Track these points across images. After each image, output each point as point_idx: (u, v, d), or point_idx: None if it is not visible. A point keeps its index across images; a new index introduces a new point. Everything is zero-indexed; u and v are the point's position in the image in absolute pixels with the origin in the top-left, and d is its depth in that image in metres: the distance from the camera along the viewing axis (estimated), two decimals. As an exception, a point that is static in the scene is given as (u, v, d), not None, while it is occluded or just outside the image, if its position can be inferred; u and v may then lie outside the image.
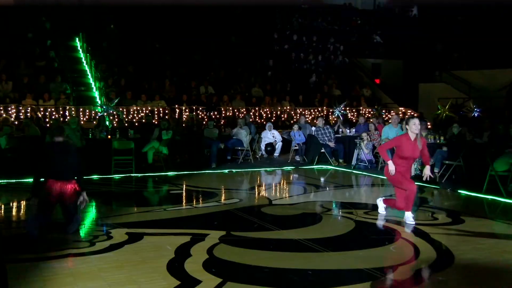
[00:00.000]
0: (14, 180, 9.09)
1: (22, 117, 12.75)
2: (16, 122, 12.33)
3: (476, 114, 15.03)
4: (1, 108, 12.83)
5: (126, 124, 13.16)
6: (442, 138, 11.01)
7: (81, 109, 13.75)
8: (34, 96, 13.76)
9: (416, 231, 5.69)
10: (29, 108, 13.07)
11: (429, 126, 13.79)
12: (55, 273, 4.16)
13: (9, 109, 12.90)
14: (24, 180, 9.09)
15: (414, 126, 5.81)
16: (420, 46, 21.12)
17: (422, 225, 5.94)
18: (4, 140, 10.31)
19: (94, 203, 7.35)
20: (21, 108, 13.03)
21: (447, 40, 20.92)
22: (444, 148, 9.79)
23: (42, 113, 13.20)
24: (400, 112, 16.76)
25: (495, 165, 8.10)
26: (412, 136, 5.88)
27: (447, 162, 9.54)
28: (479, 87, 17.87)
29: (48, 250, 4.82)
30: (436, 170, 9.61)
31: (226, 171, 11.02)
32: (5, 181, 9.06)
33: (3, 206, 7.25)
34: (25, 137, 10.91)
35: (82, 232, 5.62)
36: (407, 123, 5.94)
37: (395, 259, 4.74)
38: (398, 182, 6.00)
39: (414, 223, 5.96)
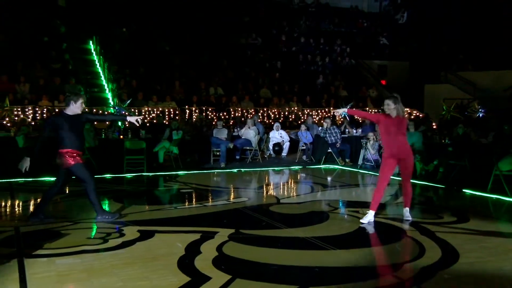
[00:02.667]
0: (31, 179, 9.27)
1: (38, 117, 13.09)
2: (33, 123, 12.64)
3: (481, 115, 15.14)
4: (19, 109, 13.21)
5: (137, 125, 13.38)
6: (447, 138, 11.18)
7: (94, 110, 14.00)
8: (49, 97, 14.12)
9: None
10: (45, 109, 13.41)
11: (434, 127, 13.96)
12: (70, 269, 4.25)
13: (26, 110, 13.25)
14: (40, 178, 9.32)
15: (387, 107, 6.02)
16: (425, 48, 21.23)
17: (427, 224, 5.98)
18: (21, 140, 10.59)
19: (106, 202, 7.49)
20: (37, 109, 13.38)
21: (452, 41, 21.01)
22: (449, 148, 9.94)
23: (57, 114, 13.60)
24: (406, 113, 16.90)
25: (500, 165, 8.15)
26: (393, 114, 6.03)
27: (452, 162, 9.60)
28: (484, 88, 17.91)
29: (63, 246, 4.93)
30: (441, 170, 9.75)
31: (235, 170, 11.18)
32: (23, 179, 9.20)
33: (21, 203, 7.38)
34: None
35: (95, 229, 5.75)
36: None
37: (401, 257, 4.75)
38: (380, 175, 6.14)
39: (367, 222, 5.95)
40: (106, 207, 7.23)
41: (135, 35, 18.02)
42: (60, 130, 5.73)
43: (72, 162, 5.77)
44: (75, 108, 5.88)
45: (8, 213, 6.86)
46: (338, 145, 12.39)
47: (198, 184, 9.23)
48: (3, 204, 7.39)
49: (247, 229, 5.68)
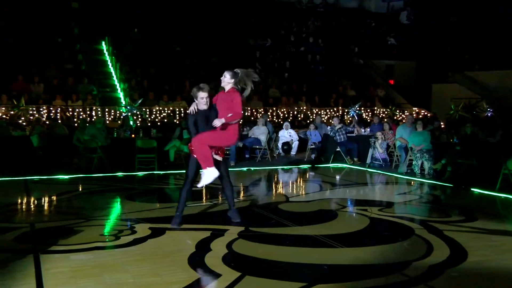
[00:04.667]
0: (45, 177, 9.41)
1: (52, 117, 13.31)
2: (47, 122, 12.84)
3: (489, 114, 15.17)
4: (34, 108, 13.45)
5: (149, 124, 13.56)
6: (455, 137, 11.25)
7: (106, 109, 14.27)
8: (63, 97, 14.37)
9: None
10: (59, 109, 13.65)
11: (442, 126, 14.03)
12: (83, 265, 4.36)
13: (41, 109, 13.48)
14: (54, 176, 9.50)
15: (222, 78, 5.81)
16: (432, 48, 21.25)
17: (435, 222, 6.03)
18: (36, 139, 10.76)
19: (118, 199, 7.62)
20: (51, 108, 13.60)
21: (458, 41, 21.00)
22: (457, 147, 9.99)
23: (70, 113, 13.80)
24: (413, 112, 17.01)
25: (508, 164, 8.17)
26: (226, 88, 5.75)
27: (460, 161, 9.65)
28: (491, 87, 17.93)
29: (77, 243, 5.04)
30: (449, 169, 9.79)
31: (245, 169, 11.26)
32: (38, 177, 9.35)
33: (36, 200, 7.52)
34: (55, 136, 11.43)
35: (107, 227, 5.88)
36: (246, 79, 5.75)
37: (409, 255, 4.76)
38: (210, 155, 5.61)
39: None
40: (118, 204, 7.45)
41: (147, 36, 18.19)
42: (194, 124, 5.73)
43: (193, 154, 5.74)
44: (199, 104, 5.71)
45: (24, 210, 6.99)
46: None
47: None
48: (19, 201, 7.52)
49: (257, 227, 5.74)
